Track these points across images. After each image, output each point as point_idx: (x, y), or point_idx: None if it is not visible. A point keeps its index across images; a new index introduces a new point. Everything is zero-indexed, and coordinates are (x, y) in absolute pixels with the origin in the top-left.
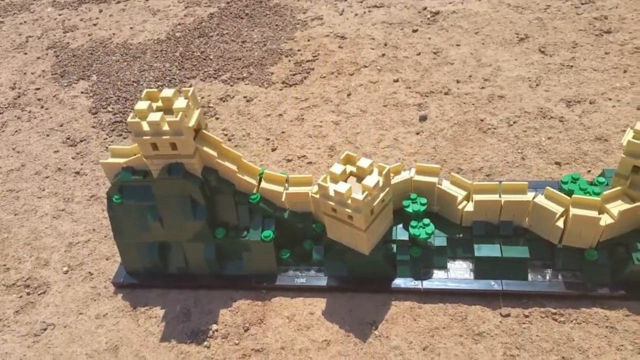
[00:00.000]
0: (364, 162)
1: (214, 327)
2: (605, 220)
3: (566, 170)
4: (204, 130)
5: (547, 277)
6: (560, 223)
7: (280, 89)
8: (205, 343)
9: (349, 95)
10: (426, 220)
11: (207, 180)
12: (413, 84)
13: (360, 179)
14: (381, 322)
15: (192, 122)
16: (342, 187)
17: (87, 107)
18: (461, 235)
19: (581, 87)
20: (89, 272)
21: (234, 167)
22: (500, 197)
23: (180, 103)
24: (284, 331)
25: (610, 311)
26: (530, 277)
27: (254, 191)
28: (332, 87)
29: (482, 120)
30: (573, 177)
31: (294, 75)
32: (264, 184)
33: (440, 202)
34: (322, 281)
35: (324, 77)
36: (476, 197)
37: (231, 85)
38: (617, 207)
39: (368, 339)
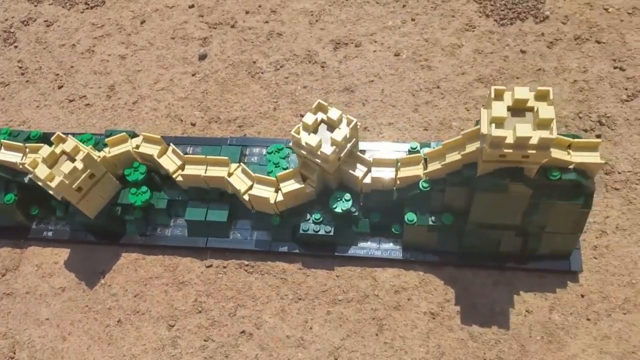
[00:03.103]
0: (68, 145)
1: None
2: (276, 197)
3: None
4: None
5: (246, 235)
6: (246, 196)
7: (82, 12)
8: None
9: (142, 22)
10: (144, 188)
11: None
12: (207, 11)
13: (72, 159)
14: (109, 272)
15: None
16: (41, 172)
17: None
18: (180, 198)
19: (355, 26)
20: None
21: None
22: (205, 170)
23: None
24: (31, 278)
25: (288, 264)
26: (232, 234)
27: None
28: (129, 12)
29: (254, 63)
30: (277, 147)
31: None
32: (1, 155)
33: (163, 169)
34: (66, 234)
35: None
36: (187, 169)
37: (35, 5)
38: (288, 186)
39: (95, 286)
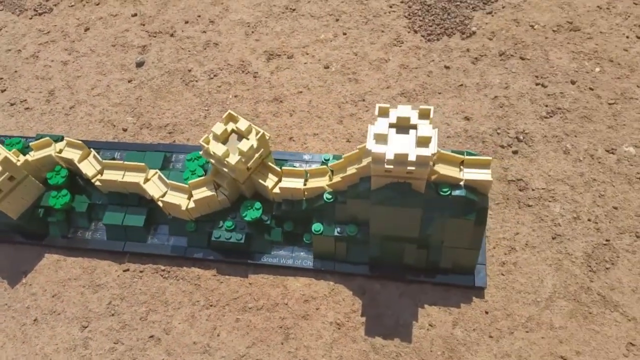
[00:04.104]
0: None
1: None
2: (188, 204)
3: None
4: None
5: (163, 240)
6: (160, 202)
7: (30, 18)
8: None
9: (86, 30)
10: (64, 192)
11: None
12: (148, 20)
13: None
14: (31, 272)
15: None
16: None
17: None
18: (101, 202)
19: (289, 38)
20: None
21: None
22: (123, 176)
23: None
24: None
25: (203, 271)
26: (150, 239)
27: None
28: (75, 20)
29: (189, 71)
30: (196, 155)
31: (47, 0)
32: None
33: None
34: None
35: (72, 5)
36: (105, 174)
37: None
38: (200, 193)
39: (16, 285)
